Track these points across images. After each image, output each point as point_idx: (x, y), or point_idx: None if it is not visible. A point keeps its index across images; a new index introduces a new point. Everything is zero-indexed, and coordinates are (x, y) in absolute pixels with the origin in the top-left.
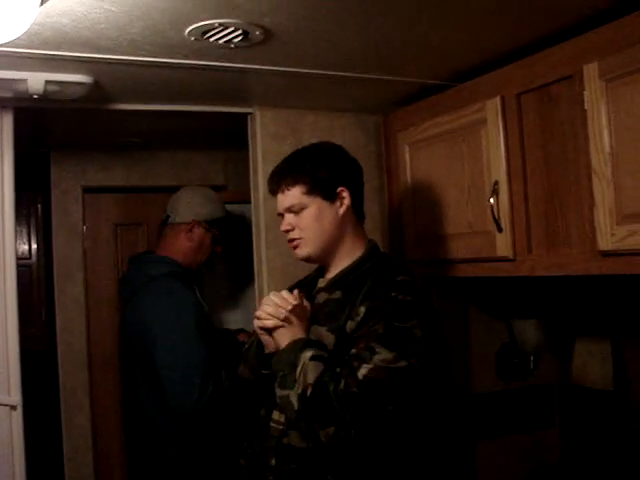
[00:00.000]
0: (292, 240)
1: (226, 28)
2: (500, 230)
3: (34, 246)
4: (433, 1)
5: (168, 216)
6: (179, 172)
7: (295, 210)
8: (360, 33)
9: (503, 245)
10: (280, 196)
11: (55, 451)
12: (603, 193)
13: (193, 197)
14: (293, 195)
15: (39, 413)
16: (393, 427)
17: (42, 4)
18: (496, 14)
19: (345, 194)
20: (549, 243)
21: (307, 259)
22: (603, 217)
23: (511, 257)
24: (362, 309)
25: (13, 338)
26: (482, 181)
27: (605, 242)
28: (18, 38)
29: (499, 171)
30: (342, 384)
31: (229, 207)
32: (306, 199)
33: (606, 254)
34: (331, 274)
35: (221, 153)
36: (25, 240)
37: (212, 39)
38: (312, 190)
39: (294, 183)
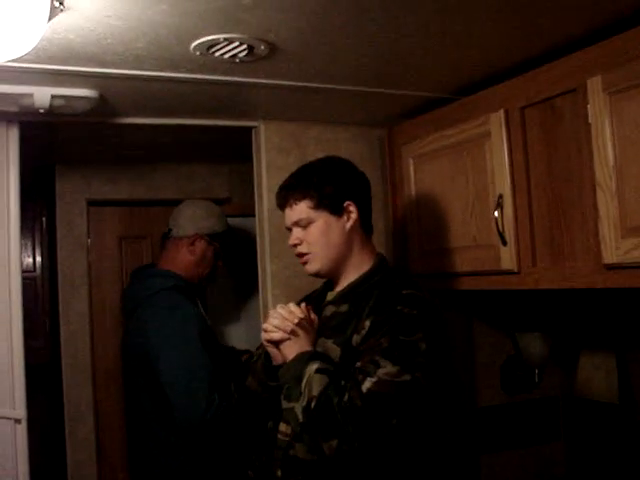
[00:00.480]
0: (301, 255)
1: (231, 43)
2: (504, 243)
3: (38, 259)
4: (437, 16)
5: (170, 229)
6: (183, 185)
7: (302, 225)
8: (364, 47)
9: (507, 258)
10: (288, 210)
11: (59, 464)
12: (607, 206)
13: (195, 211)
14: (300, 210)
15: (43, 426)
16: (396, 440)
17: (49, 20)
18: (500, 28)
19: (352, 208)
20: (553, 256)
21: (317, 274)
22: (607, 230)
23: (515, 270)
24: (367, 323)
25: (18, 351)
26: (486, 194)
27: (610, 255)
28: (25, 53)
29: (503, 184)
30: (346, 397)
31: (233, 220)
32: (313, 214)
33: (611, 267)
34: (339, 287)
35: (225, 166)
36: (30, 253)
37: (217, 54)
38: (319, 205)
39: (301, 198)
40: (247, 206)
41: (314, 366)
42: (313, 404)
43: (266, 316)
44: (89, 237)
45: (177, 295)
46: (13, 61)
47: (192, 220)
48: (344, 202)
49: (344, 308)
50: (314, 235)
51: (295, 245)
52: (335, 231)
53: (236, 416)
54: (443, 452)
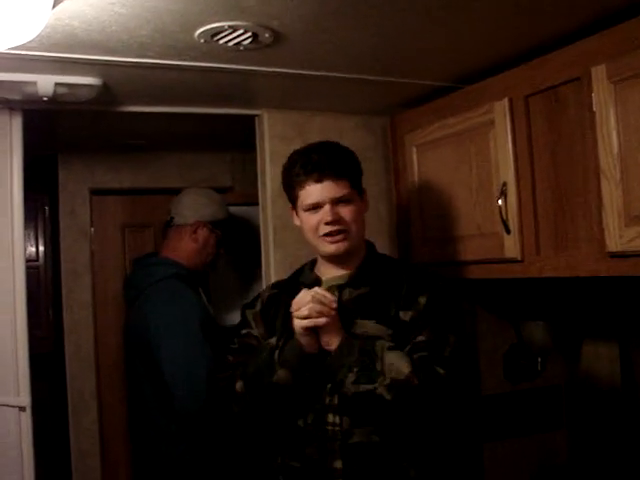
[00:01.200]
0: (337, 232)
1: (235, 30)
2: (508, 232)
3: (41, 248)
4: (441, 4)
5: (172, 218)
6: (186, 174)
7: (344, 201)
8: (368, 35)
9: (511, 247)
10: (328, 184)
11: (63, 452)
12: (611, 195)
13: (196, 198)
14: (344, 186)
15: (47, 415)
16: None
17: (54, 7)
18: (504, 16)
19: (366, 196)
20: (557, 244)
21: (343, 254)
22: (611, 218)
23: (519, 258)
24: (423, 299)
25: (22, 340)
26: (490, 183)
27: (613, 243)
28: (29, 41)
29: (507, 173)
30: (440, 367)
31: (235, 209)
32: (352, 193)
33: (614, 255)
34: (341, 272)
35: (228, 155)
36: (33, 242)
37: (221, 41)
38: (354, 185)
39: (345, 174)
40: (250, 195)
41: (383, 345)
42: (415, 380)
43: (294, 303)
44: (92, 226)
45: (179, 284)
46: (16, 48)
47: (194, 208)
48: (363, 188)
49: (364, 290)
50: (354, 214)
51: (335, 221)
52: (362, 215)
53: (250, 419)
54: (454, 436)
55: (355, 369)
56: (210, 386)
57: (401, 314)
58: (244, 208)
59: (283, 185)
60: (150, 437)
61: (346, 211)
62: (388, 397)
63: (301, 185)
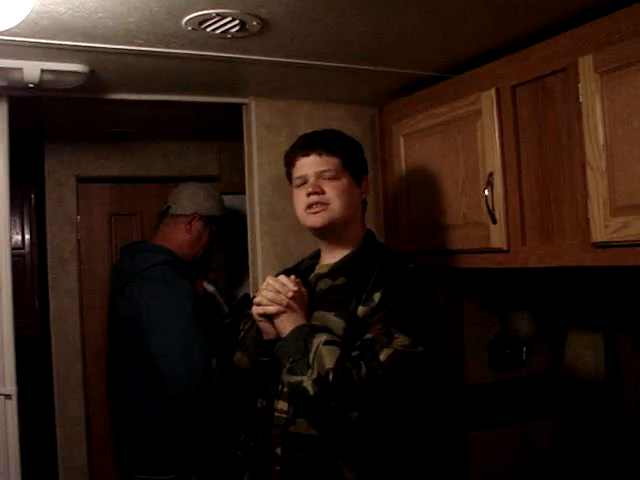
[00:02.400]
0: (314, 204)
1: (223, 18)
2: (494, 221)
3: (27, 236)
4: None
5: (169, 207)
6: (173, 162)
7: (327, 176)
8: (356, 24)
9: (497, 236)
10: (314, 158)
11: (49, 440)
12: (597, 185)
13: (196, 191)
14: (330, 161)
15: (32, 402)
16: (407, 411)
17: None
18: (491, 6)
19: (366, 184)
20: (543, 235)
21: (322, 228)
22: (597, 209)
23: (505, 248)
24: (377, 295)
25: (8, 328)
26: (477, 173)
27: (599, 234)
28: (14, 26)
29: (494, 163)
30: (365, 369)
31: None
32: (341, 171)
33: (599, 245)
34: (331, 259)
35: (215, 144)
36: (18, 230)
37: (209, 29)
38: (345, 165)
39: (334, 151)
40: (237, 184)
41: (321, 338)
42: (331, 376)
43: (257, 290)
44: (78, 214)
45: (171, 270)
46: (1, 34)
47: (192, 200)
48: (362, 174)
49: (341, 281)
50: (337, 190)
51: (315, 193)
52: (353, 196)
53: (221, 395)
54: (436, 427)
55: (291, 359)
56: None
57: (358, 309)
58: (231, 197)
59: (286, 174)
60: (139, 425)
61: (330, 186)
62: (311, 392)
63: (292, 162)
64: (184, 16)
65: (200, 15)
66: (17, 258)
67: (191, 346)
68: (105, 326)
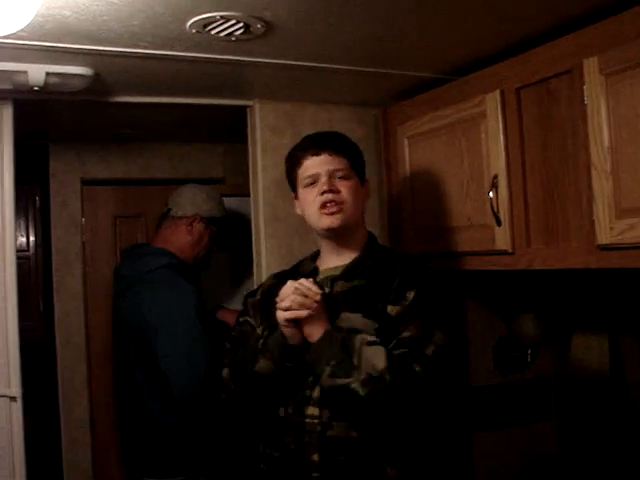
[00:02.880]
0: (331, 204)
1: (227, 21)
2: (499, 224)
3: (32, 238)
4: None
5: (170, 209)
6: (178, 165)
7: (340, 175)
8: (360, 27)
9: (502, 238)
10: (324, 157)
11: (54, 442)
12: (602, 187)
13: (197, 193)
14: (342, 161)
15: (37, 405)
16: (444, 406)
17: None
18: (496, 7)
19: (367, 188)
20: (548, 237)
21: (336, 229)
22: (602, 211)
23: (510, 250)
24: (411, 294)
25: (13, 330)
26: (481, 175)
27: (604, 236)
28: (20, 30)
29: (498, 165)
30: (417, 366)
31: (227, 200)
32: (350, 171)
33: (605, 248)
34: (339, 262)
35: (219, 146)
36: (23, 232)
37: (213, 32)
38: (354, 167)
39: (343, 151)
40: (241, 186)
41: (362, 339)
42: (388, 376)
43: (279, 295)
44: (83, 216)
45: (174, 273)
46: (7, 37)
47: (193, 201)
48: (365, 178)
49: (359, 282)
50: (350, 190)
51: (330, 191)
52: (361, 196)
53: (234, 407)
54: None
55: (332, 362)
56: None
57: (389, 309)
58: (235, 199)
59: (286, 173)
60: (144, 428)
61: (343, 185)
62: (362, 393)
63: (299, 162)
64: (188, 19)
65: (204, 18)
66: (22, 260)
67: (194, 347)
68: (110, 328)
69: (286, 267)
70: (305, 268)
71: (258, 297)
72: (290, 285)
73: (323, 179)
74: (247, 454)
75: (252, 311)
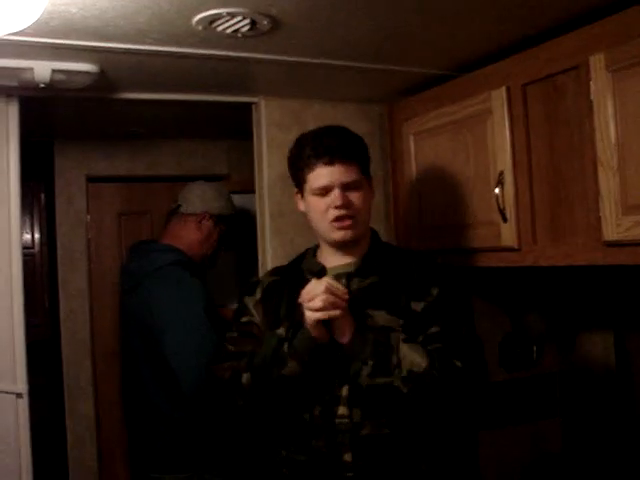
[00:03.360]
0: (344, 217)
1: (234, 17)
2: (505, 220)
3: (37, 235)
4: None
5: (179, 205)
6: (183, 161)
7: (353, 187)
8: (366, 23)
9: (508, 235)
10: (337, 168)
11: (59, 439)
12: (609, 183)
13: (206, 190)
14: (354, 171)
15: (43, 401)
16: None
17: None
18: (502, 3)
19: (373, 183)
20: (554, 233)
21: (349, 242)
22: (608, 207)
23: (516, 247)
24: (435, 290)
25: (19, 326)
26: (487, 171)
27: (610, 232)
28: (26, 27)
29: (504, 161)
30: (457, 360)
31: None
32: (361, 179)
33: (611, 244)
34: (347, 259)
35: (224, 142)
36: (28, 229)
37: (219, 28)
38: (364, 172)
39: (354, 158)
40: (246, 182)
41: (400, 337)
42: (435, 372)
43: (304, 294)
44: (88, 213)
45: (182, 270)
46: (13, 34)
47: (202, 198)
48: (370, 176)
49: (374, 279)
50: (362, 201)
51: (343, 206)
52: (370, 201)
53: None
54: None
55: (370, 362)
56: (209, 375)
57: (413, 304)
58: (240, 196)
59: (289, 168)
60: (152, 424)
61: (355, 197)
62: (405, 390)
63: (311, 167)
64: (194, 15)
65: (210, 14)
66: (27, 257)
67: (203, 345)
68: (115, 325)
69: None
70: (311, 265)
71: (259, 296)
72: (318, 284)
73: (336, 192)
74: (267, 459)
75: (255, 310)
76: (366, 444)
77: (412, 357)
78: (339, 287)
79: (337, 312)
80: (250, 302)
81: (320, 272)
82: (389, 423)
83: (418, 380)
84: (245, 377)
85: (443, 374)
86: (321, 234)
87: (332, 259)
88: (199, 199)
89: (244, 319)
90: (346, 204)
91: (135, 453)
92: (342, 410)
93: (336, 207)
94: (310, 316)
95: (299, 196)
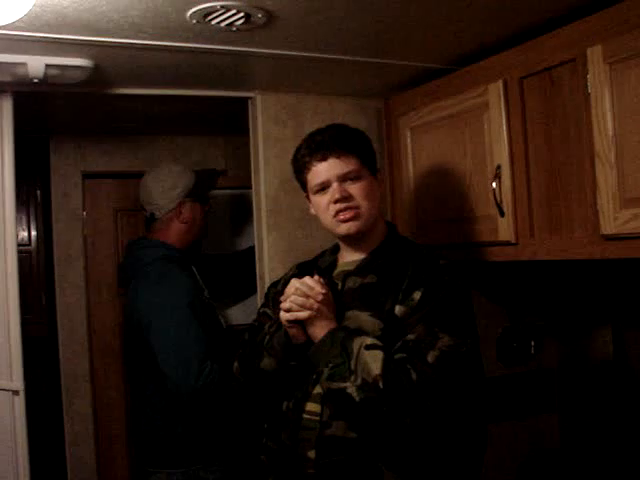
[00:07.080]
0: (345, 210)
1: (228, 10)
2: (502, 214)
3: (33, 232)
4: None
5: (152, 213)
6: (179, 157)
7: (351, 178)
8: (362, 16)
9: (505, 229)
10: (333, 161)
11: (57, 436)
12: (606, 177)
13: (163, 184)
14: (351, 162)
15: (40, 398)
16: (455, 411)
17: None
18: None
19: (381, 176)
20: (551, 227)
21: (354, 234)
22: (606, 201)
23: (513, 241)
24: (417, 294)
25: (15, 324)
26: (484, 165)
27: (608, 226)
28: (18, 20)
29: (501, 155)
30: (414, 373)
31: (229, 192)
32: (362, 170)
33: (609, 238)
34: (356, 256)
35: (221, 138)
36: (24, 226)
37: (214, 22)
38: (364, 162)
39: (351, 150)
40: (243, 178)
41: (362, 342)
42: (381, 383)
43: (283, 293)
44: (84, 210)
45: (167, 265)
46: (5, 28)
47: (165, 194)
48: (377, 167)
49: (371, 279)
50: (363, 192)
51: (343, 199)
52: (375, 192)
53: (243, 398)
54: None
55: (330, 365)
56: (201, 365)
57: (396, 309)
58: (238, 191)
59: (294, 174)
60: (149, 420)
61: (355, 188)
62: (357, 398)
63: (307, 167)
64: (189, 9)
65: (205, 8)
66: (24, 254)
67: (185, 344)
68: (112, 321)
69: (288, 261)
70: (323, 261)
71: (279, 288)
72: (292, 285)
73: (334, 186)
74: (252, 444)
75: (272, 302)
76: (330, 444)
77: (369, 365)
78: (314, 287)
79: (305, 314)
80: (271, 293)
81: (329, 267)
82: (354, 427)
83: (368, 389)
84: (235, 364)
85: (391, 386)
86: (330, 231)
87: (345, 255)
88: (162, 197)
89: (262, 310)
90: (345, 197)
91: (135, 448)
92: (312, 407)
93: (335, 201)
94: (281, 316)
95: (308, 200)
